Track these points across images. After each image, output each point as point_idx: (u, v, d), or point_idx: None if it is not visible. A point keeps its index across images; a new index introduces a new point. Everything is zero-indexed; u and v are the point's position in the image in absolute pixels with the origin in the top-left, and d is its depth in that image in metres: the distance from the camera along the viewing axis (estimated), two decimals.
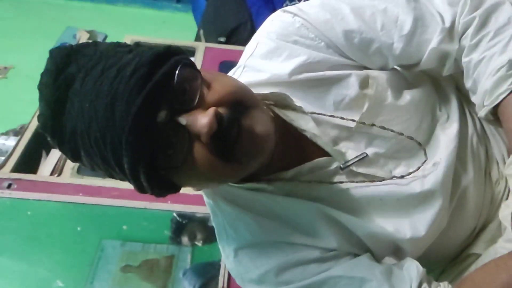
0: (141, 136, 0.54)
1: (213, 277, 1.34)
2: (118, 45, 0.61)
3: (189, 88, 0.58)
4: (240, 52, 0.81)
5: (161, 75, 0.55)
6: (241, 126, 0.59)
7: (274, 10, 0.80)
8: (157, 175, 0.58)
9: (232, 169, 0.61)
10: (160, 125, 0.55)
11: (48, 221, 1.52)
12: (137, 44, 0.61)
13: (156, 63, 0.56)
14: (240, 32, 2.57)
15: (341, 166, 0.73)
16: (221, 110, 0.58)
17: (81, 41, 2.41)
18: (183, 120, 0.56)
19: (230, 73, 0.80)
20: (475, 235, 0.86)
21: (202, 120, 0.56)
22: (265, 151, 0.62)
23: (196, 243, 1.49)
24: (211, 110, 0.56)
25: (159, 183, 0.59)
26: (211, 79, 0.60)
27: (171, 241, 1.49)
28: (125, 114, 0.53)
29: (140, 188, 0.60)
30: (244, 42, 0.81)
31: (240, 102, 0.60)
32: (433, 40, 0.74)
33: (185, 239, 1.49)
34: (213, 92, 0.59)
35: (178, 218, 1.49)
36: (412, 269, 0.71)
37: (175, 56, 0.58)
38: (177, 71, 0.56)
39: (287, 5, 0.79)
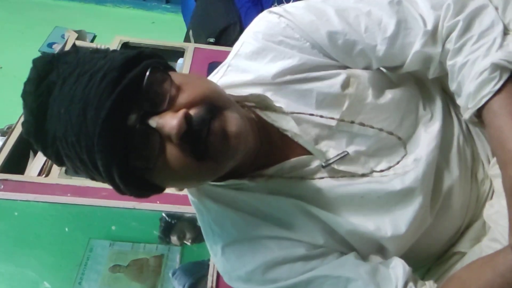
0: (111, 139, 0.55)
1: (202, 276, 1.34)
2: (95, 51, 0.62)
3: (159, 91, 0.59)
4: (229, 53, 0.81)
5: (130, 79, 0.56)
6: (210, 128, 0.60)
7: (262, 11, 0.81)
8: (132, 176, 0.59)
9: (207, 167, 0.62)
10: (130, 128, 0.56)
11: (35, 222, 1.51)
12: (113, 50, 0.63)
13: (127, 68, 0.57)
14: (229, 33, 2.58)
15: (323, 164, 0.74)
16: (192, 111, 0.59)
17: (69, 41, 2.39)
18: (153, 122, 0.58)
19: (214, 71, 0.81)
20: (460, 233, 0.87)
21: (171, 122, 0.57)
22: (238, 151, 0.63)
23: (186, 242, 1.49)
24: (181, 112, 0.57)
25: (136, 184, 0.61)
26: (182, 82, 0.61)
27: (160, 241, 1.49)
28: (95, 118, 0.55)
29: (118, 189, 0.61)
30: (233, 43, 0.82)
31: (211, 104, 0.61)
32: (416, 43, 0.74)
33: (174, 239, 1.49)
34: (184, 95, 0.60)
35: (167, 218, 1.49)
36: (399, 268, 0.72)
37: (146, 60, 0.60)
38: (146, 75, 0.58)
39: (275, 7, 0.80)
